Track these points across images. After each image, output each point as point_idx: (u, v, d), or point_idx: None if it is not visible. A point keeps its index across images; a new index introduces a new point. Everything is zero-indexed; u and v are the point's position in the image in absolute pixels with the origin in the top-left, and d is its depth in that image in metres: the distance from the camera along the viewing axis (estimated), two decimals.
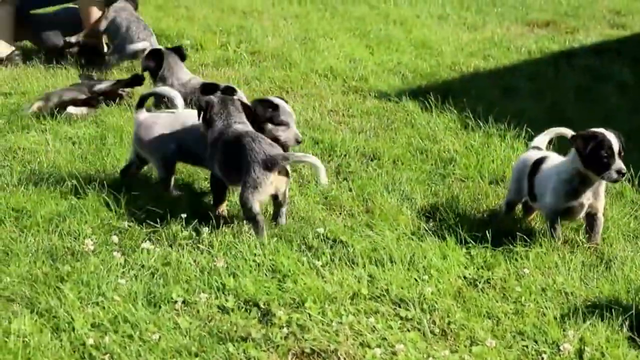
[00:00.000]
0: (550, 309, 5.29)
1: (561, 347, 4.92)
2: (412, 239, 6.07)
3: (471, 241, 6.07)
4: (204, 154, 6.42)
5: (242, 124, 6.30)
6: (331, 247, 5.98)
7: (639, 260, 5.88)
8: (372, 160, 7.65)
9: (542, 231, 6.29)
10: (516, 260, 5.89)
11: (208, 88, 8.09)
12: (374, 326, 5.09)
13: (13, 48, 10.46)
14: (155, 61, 8.42)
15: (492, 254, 5.93)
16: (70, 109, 8.44)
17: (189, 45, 11.21)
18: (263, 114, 6.56)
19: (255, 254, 5.81)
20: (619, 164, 5.85)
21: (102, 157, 7.38)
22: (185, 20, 12.83)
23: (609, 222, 6.37)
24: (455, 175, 7.35)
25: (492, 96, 9.53)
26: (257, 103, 6.71)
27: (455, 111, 8.84)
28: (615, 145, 5.89)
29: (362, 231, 6.23)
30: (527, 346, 4.99)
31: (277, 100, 6.70)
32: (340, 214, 6.55)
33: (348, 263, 5.79)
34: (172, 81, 8.27)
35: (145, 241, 5.96)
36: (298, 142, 6.69)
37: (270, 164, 5.93)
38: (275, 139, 6.41)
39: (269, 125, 6.57)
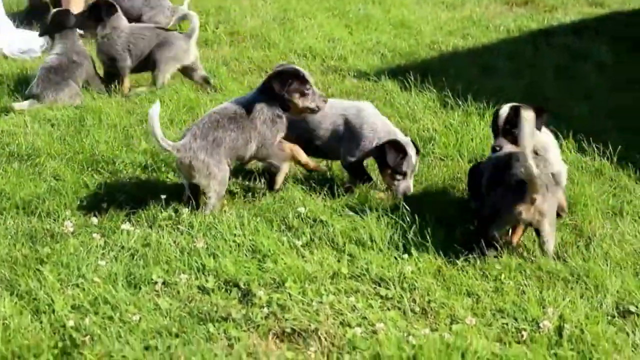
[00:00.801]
0: (529, 287, 5.29)
1: (541, 325, 4.93)
2: (392, 218, 6.06)
3: (450, 220, 6.07)
4: None
5: None
6: (311, 227, 5.98)
7: (618, 237, 5.90)
8: None
9: None
10: None
11: None
12: (354, 305, 5.09)
13: None
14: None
15: (472, 232, 5.93)
16: None
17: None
18: (394, 160, 6.44)
19: (235, 234, 5.80)
20: None
21: (80, 139, 7.33)
22: None
23: (587, 199, 6.38)
24: (434, 154, 7.34)
25: (471, 75, 9.53)
26: (389, 146, 6.49)
27: (434, 90, 8.83)
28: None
29: (342, 211, 6.22)
30: (507, 324, 5.00)
31: (408, 150, 6.51)
32: (320, 193, 6.52)
33: (328, 243, 5.79)
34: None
35: (125, 222, 5.94)
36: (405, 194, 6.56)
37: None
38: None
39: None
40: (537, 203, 5.54)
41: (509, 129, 5.98)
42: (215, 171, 6.11)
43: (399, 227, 5.94)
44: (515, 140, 5.78)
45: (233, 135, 6.21)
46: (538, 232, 5.67)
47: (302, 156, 6.46)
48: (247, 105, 6.31)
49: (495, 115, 6.19)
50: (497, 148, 6.01)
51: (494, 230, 5.65)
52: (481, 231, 5.73)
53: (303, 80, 6.30)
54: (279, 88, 6.26)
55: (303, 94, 6.30)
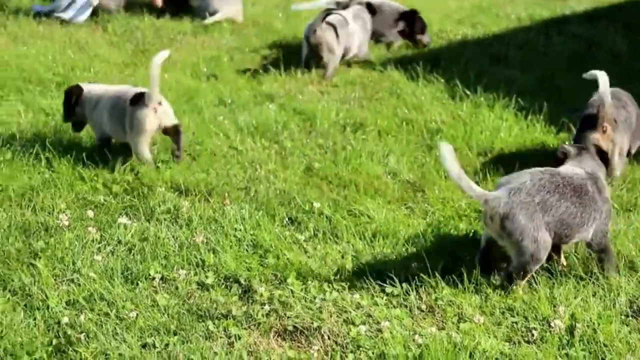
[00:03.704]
0: (540, 285, 5.14)
1: (552, 324, 4.80)
2: (398, 213, 5.92)
3: (459, 214, 5.94)
4: None
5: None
6: (315, 221, 5.85)
7: (632, 234, 5.74)
8: (356, 131, 7.46)
9: None
10: None
11: None
12: (358, 302, 4.97)
13: None
14: None
15: (480, 227, 5.77)
16: None
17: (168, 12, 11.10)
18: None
19: (236, 229, 5.70)
20: None
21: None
22: None
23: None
24: None
25: (480, 65, 9.39)
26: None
27: (442, 80, 8.71)
28: None
29: (347, 204, 6.10)
30: (516, 322, 4.87)
31: None
32: (323, 186, 6.39)
33: (332, 237, 5.67)
34: None
35: (122, 216, 5.83)
36: None
37: None
38: None
39: None
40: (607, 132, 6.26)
41: None
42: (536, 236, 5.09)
43: (405, 222, 5.81)
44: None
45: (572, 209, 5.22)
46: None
47: None
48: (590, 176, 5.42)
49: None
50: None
51: None
52: None
53: None
54: None
55: None
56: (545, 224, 5.07)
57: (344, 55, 9.23)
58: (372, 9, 9.76)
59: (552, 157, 5.73)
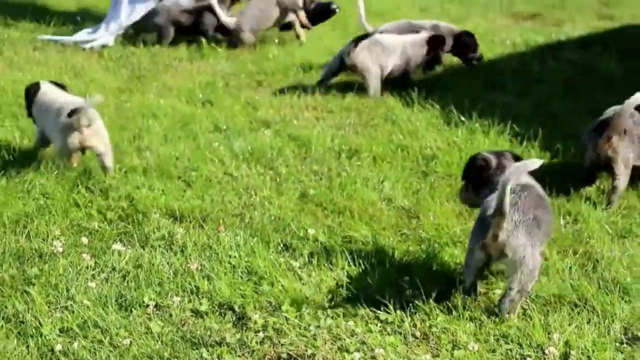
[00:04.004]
0: (535, 312, 5.12)
1: (546, 351, 4.78)
2: (393, 239, 5.91)
3: (454, 240, 5.92)
4: None
5: None
6: (309, 248, 5.83)
7: (627, 260, 5.73)
8: (351, 157, 7.45)
9: None
10: None
11: None
12: (353, 330, 4.95)
13: None
14: None
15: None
16: None
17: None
18: None
19: (230, 256, 5.67)
20: None
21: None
22: None
23: (595, 221, 6.21)
24: (437, 172, 7.18)
25: (476, 91, 9.37)
26: None
27: (437, 106, 8.70)
28: None
29: (341, 231, 6.07)
30: (511, 349, 4.84)
31: None
32: (318, 213, 6.38)
33: (326, 264, 5.64)
34: None
35: (116, 242, 5.82)
36: None
37: None
38: None
39: None
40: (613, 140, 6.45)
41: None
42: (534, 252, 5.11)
43: (400, 248, 5.80)
44: None
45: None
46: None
47: None
48: None
49: None
50: None
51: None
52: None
53: None
54: None
55: None
56: (539, 239, 5.13)
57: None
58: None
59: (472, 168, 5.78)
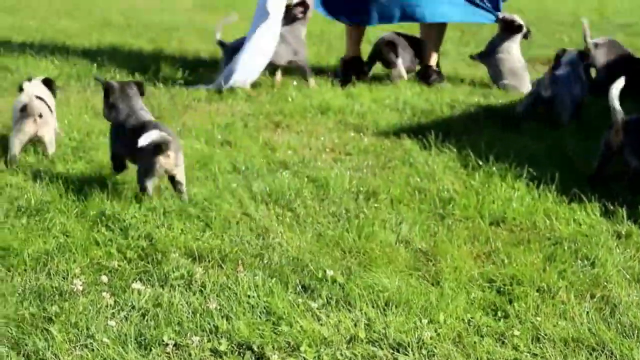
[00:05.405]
0: (552, 357, 5.11)
1: None
2: (411, 281, 5.91)
3: (473, 284, 5.93)
4: None
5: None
6: (327, 289, 5.83)
7: None
8: (369, 199, 7.47)
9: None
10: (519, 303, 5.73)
11: None
12: None
13: None
14: None
15: (498, 298, 5.77)
16: None
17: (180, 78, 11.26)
18: None
19: (249, 296, 5.68)
20: None
21: (91, 194, 7.19)
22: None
23: (613, 265, 6.21)
24: (454, 215, 7.19)
25: (492, 134, 9.40)
26: None
27: (454, 150, 8.73)
28: None
29: (359, 272, 6.07)
30: None
31: None
32: (336, 254, 6.39)
33: (345, 305, 5.64)
34: None
35: (136, 281, 5.83)
36: None
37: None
38: None
39: None
40: None
41: None
42: None
43: (418, 291, 5.79)
44: None
45: None
46: None
47: None
48: None
49: None
50: None
51: None
52: None
53: None
54: None
55: None
56: None
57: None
58: None
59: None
